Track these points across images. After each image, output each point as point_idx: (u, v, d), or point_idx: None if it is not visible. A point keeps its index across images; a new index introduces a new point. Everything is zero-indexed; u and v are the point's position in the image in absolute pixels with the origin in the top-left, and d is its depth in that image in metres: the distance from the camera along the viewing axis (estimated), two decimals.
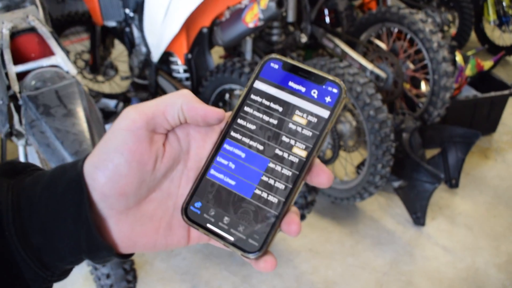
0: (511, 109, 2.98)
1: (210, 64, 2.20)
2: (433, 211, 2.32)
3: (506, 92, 2.76)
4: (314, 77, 0.46)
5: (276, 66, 0.47)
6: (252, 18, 1.94)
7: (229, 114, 0.47)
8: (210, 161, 0.46)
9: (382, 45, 2.58)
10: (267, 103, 0.46)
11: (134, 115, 0.42)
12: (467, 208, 2.38)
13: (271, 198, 0.44)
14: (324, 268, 2.01)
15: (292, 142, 0.45)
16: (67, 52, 1.48)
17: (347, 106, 2.15)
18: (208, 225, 0.44)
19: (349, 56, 2.43)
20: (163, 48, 2.19)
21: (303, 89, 0.46)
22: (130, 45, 2.43)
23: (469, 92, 2.84)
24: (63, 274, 0.46)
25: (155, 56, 2.26)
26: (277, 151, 0.45)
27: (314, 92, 0.45)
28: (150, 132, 0.43)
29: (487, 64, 2.98)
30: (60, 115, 1.29)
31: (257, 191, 0.44)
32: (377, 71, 2.39)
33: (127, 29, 2.36)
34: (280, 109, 0.46)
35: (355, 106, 2.08)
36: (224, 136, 0.46)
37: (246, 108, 0.47)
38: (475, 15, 3.71)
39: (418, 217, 2.23)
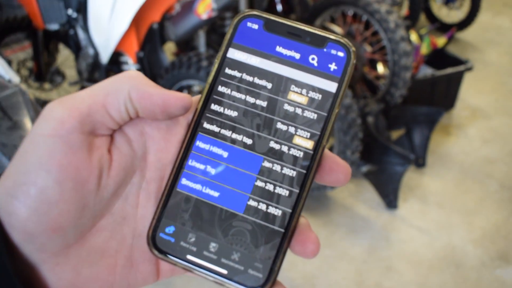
0: (467, 84, 2.99)
1: (164, 61, 2.10)
2: (404, 192, 2.29)
3: (461, 67, 2.77)
4: (310, 37, 0.34)
5: (256, 26, 0.34)
6: (205, 9, 1.86)
7: (197, 98, 0.35)
8: (178, 168, 0.33)
9: (338, 30, 2.53)
10: (249, 78, 0.34)
11: (61, 113, 0.30)
12: (437, 187, 2.36)
13: (272, 210, 0.33)
14: (301, 263, 1.95)
15: (292, 129, 0.33)
16: (7, 60, 1.35)
17: None
18: (189, 257, 0.32)
19: None
20: (112, 48, 2.08)
21: (297, 56, 0.34)
22: (76, 48, 2.30)
23: (426, 71, 2.84)
24: None
25: (104, 57, 2.14)
26: (273, 144, 0.33)
27: (313, 59, 0.34)
28: (87, 135, 0.30)
29: (440, 41, 2.99)
30: (4, 128, 1.17)
31: (252, 203, 0.33)
32: None
33: (71, 31, 2.22)
34: (269, 85, 0.34)
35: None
36: (194, 131, 0.34)
37: (221, 88, 0.34)
38: None
39: (391, 200, 2.19)
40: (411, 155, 2.12)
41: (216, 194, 0.33)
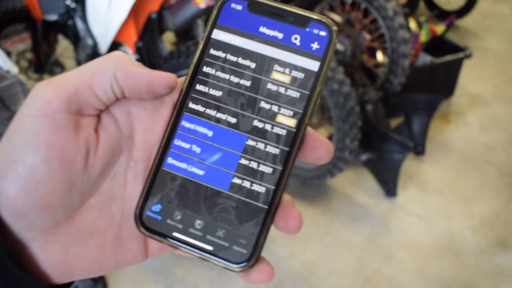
0: (466, 71, 2.99)
1: (163, 51, 2.09)
2: (403, 180, 2.30)
3: (460, 55, 2.76)
4: (293, 17, 0.35)
5: (240, 7, 0.35)
6: None
7: (183, 79, 0.36)
8: (165, 147, 0.34)
9: (337, 18, 2.52)
10: (233, 58, 0.35)
11: (48, 94, 0.30)
12: (436, 174, 2.37)
13: (256, 187, 0.33)
14: (301, 251, 1.96)
15: (275, 108, 0.34)
16: (6, 51, 1.36)
17: None
18: (175, 234, 0.33)
19: None
20: (110, 38, 2.07)
21: (280, 36, 0.35)
22: (75, 38, 2.29)
23: (424, 58, 2.83)
24: None
25: (103, 48, 2.14)
26: (256, 123, 0.34)
27: (296, 38, 0.35)
28: (74, 114, 0.31)
29: (439, 28, 2.98)
30: (3, 118, 1.18)
31: (236, 180, 0.34)
32: None
33: (70, 22, 2.22)
34: (253, 65, 0.35)
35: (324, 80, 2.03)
36: (180, 111, 0.34)
37: (206, 69, 0.35)
38: None
39: (390, 188, 2.20)
40: (410, 143, 2.13)
41: (201, 172, 0.34)
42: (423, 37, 2.81)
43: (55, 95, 0.30)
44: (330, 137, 2.24)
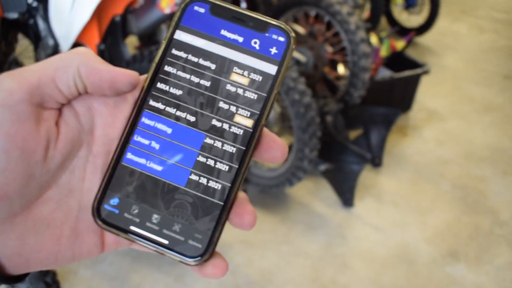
0: (423, 87, 3.07)
1: (125, 54, 2.08)
2: (360, 191, 2.34)
3: (419, 71, 2.84)
4: (253, 22, 0.36)
5: (202, 10, 0.36)
6: (168, 3, 1.85)
7: (144, 77, 0.36)
8: (124, 142, 0.35)
9: (300, 29, 2.56)
10: (194, 59, 0.36)
11: (10, 85, 0.30)
12: (392, 186, 2.43)
13: (212, 184, 0.34)
14: (258, 259, 1.97)
15: (233, 109, 0.35)
16: None
17: None
18: (132, 228, 0.34)
19: None
20: (72, 39, 2.04)
21: (240, 39, 0.36)
22: (36, 38, 2.25)
23: (384, 73, 2.90)
24: None
25: (64, 48, 2.11)
26: (215, 122, 0.35)
27: (255, 42, 0.36)
28: (36, 107, 0.31)
29: (399, 44, 3.06)
30: None
31: (193, 177, 0.34)
32: (297, 55, 2.37)
33: (31, 21, 2.17)
34: (213, 66, 0.36)
35: (279, 92, 2.05)
36: (140, 108, 0.35)
37: (167, 68, 0.36)
38: None
39: (347, 199, 2.24)
40: (368, 155, 2.17)
41: (159, 168, 0.35)
42: (384, 52, 2.88)
43: (17, 87, 0.31)
44: (290, 147, 2.26)
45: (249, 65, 0.36)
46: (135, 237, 0.34)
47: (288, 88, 1.94)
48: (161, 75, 0.36)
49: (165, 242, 0.34)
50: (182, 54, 0.36)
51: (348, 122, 2.46)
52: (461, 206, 2.32)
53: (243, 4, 2.67)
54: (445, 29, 4.20)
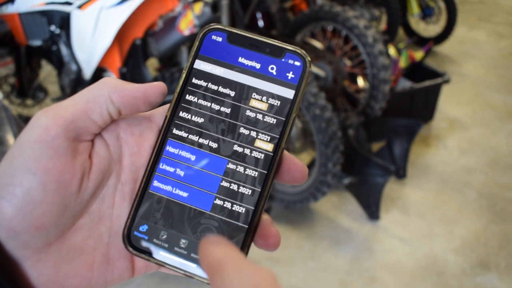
0: (444, 96, 3.05)
1: (147, 76, 2.11)
2: (386, 203, 2.33)
3: (439, 80, 2.83)
4: (269, 48, 0.37)
5: (220, 39, 0.38)
6: (187, 25, 1.88)
7: (167, 107, 0.38)
8: (151, 171, 0.36)
9: (318, 44, 2.57)
10: (214, 87, 0.37)
11: (46, 121, 0.32)
12: (418, 197, 2.40)
13: (236, 207, 0.35)
14: (286, 275, 1.96)
15: (253, 134, 0.36)
16: None
17: None
18: (161, 253, 0.35)
19: None
20: (95, 63, 2.08)
21: (257, 66, 0.37)
22: (59, 64, 2.30)
23: (404, 84, 2.89)
24: None
25: (87, 73, 2.15)
26: (236, 148, 0.36)
27: (272, 68, 0.37)
28: (71, 141, 0.33)
29: (418, 54, 3.05)
30: None
31: (218, 202, 0.35)
32: (316, 70, 2.38)
33: (54, 47, 2.22)
34: (232, 93, 0.37)
35: (299, 107, 2.06)
36: (164, 136, 0.37)
37: (188, 97, 0.37)
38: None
39: (373, 212, 2.23)
40: (391, 166, 2.16)
41: (185, 194, 0.36)
42: (403, 63, 2.87)
43: (53, 123, 0.32)
44: (313, 162, 2.26)
45: (267, 90, 0.37)
46: (164, 261, 0.35)
47: (309, 104, 1.95)
48: (183, 104, 0.37)
49: (194, 265, 0.35)
50: (202, 82, 0.37)
51: (370, 135, 2.45)
52: (488, 215, 2.29)
53: (260, 23, 2.69)
54: (463, 37, 4.18)
